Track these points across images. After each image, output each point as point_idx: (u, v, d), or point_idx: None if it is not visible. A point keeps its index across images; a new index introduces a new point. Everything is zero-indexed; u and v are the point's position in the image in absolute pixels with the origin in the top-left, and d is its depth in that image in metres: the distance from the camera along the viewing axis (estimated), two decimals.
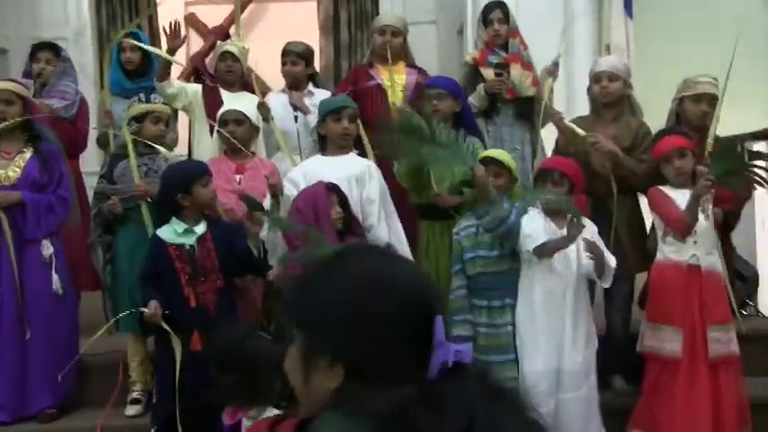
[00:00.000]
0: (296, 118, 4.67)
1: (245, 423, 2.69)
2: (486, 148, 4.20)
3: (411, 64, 4.89)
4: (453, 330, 3.72)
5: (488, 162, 3.82)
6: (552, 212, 3.69)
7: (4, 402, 4.01)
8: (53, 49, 4.89)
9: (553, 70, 4.45)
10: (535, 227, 3.64)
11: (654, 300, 3.81)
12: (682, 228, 3.68)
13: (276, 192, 4.00)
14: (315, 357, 1.16)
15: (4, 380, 4.01)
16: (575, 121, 4.29)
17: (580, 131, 4.00)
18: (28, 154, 4.09)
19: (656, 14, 6.55)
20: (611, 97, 4.14)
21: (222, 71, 4.86)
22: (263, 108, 4.43)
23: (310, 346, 1.17)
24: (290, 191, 3.87)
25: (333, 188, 3.70)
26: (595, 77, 4.19)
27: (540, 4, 5.79)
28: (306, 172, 3.95)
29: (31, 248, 4.05)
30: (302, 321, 1.20)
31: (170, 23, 4.58)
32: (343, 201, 3.72)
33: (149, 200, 4.01)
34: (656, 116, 4.35)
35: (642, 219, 4.13)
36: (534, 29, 5.16)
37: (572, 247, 3.60)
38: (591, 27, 6.14)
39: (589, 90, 4.26)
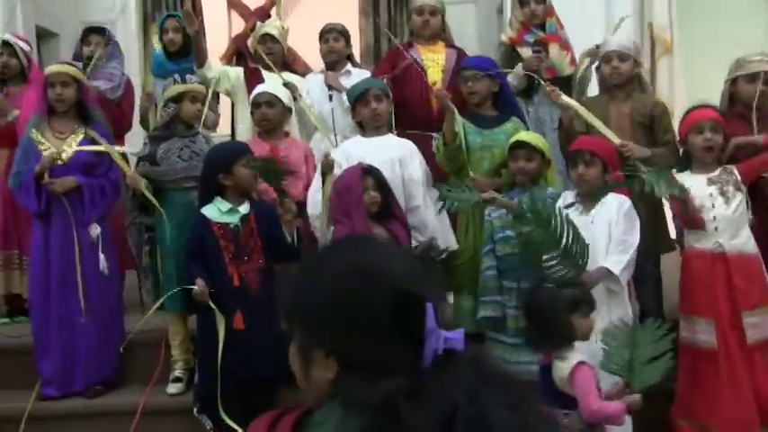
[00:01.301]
0: (330, 97, 4.65)
1: None
2: (527, 128, 4.15)
3: (450, 44, 4.83)
4: (482, 311, 3.71)
5: (519, 146, 3.77)
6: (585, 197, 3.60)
7: (54, 378, 4.11)
8: (102, 32, 4.96)
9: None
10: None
11: (684, 291, 3.74)
12: (688, 224, 3.62)
13: (326, 170, 3.90)
14: (310, 350, 1.18)
15: (53, 356, 4.11)
16: (587, 101, 4.22)
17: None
18: (80, 135, 4.15)
19: None
20: (622, 78, 4.07)
21: (263, 53, 4.85)
22: (289, 87, 4.42)
23: (304, 339, 1.20)
24: (336, 170, 3.87)
25: (369, 171, 3.68)
26: (605, 57, 4.10)
27: None
28: (348, 153, 3.97)
29: (80, 229, 4.10)
30: (296, 316, 1.23)
31: (185, 10, 4.63)
32: (382, 184, 3.69)
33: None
34: (698, 96, 4.25)
35: (660, 199, 4.04)
36: (572, 7, 5.08)
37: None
38: (632, 5, 6.03)
39: (598, 69, 4.17)
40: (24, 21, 5.89)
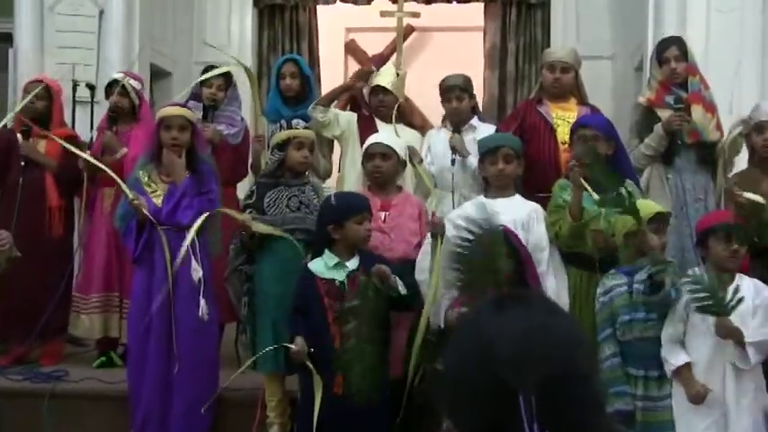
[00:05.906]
0: (453, 161, 4.55)
1: None
2: (642, 192, 4.10)
3: (583, 101, 4.83)
4: (614, 404, 3.56)
5: (653, 218, 3.68)
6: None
7: (146, 427, 4.18)
8: (224, 75, 5.15)
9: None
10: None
11: None
12: None
13: (436, 231, 3.87)
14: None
15: (147, 405, 4.18)
16: (737, 176, 4.20)
17: None
18: (185, 176, 4.26)
19: None
20: None
21: (374, 105, 4.98)
22: (414, 155, 4.49)
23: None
24: (450, 232, 3.86)
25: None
26: (758, 127, 4.10)
27: (730, 37, 5.64)
28: (467, 215, 3.95)
29: (182, 270, 4.13)
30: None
31: (362, 71, 4.80)
32: (513, 250, 3.64)
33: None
34: None
35: None
36: (720, 65, 4.99)
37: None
38: None
39: (747, 138, 4.16)
40: (140, 60, 6.22)
